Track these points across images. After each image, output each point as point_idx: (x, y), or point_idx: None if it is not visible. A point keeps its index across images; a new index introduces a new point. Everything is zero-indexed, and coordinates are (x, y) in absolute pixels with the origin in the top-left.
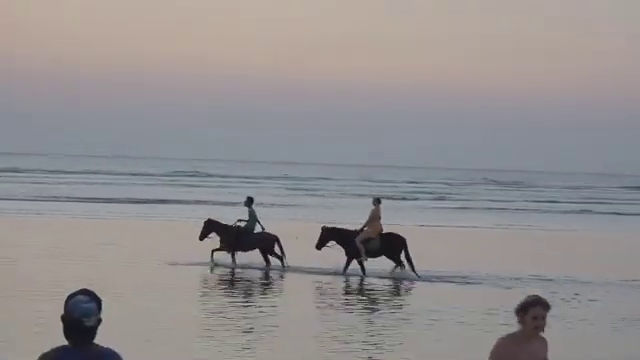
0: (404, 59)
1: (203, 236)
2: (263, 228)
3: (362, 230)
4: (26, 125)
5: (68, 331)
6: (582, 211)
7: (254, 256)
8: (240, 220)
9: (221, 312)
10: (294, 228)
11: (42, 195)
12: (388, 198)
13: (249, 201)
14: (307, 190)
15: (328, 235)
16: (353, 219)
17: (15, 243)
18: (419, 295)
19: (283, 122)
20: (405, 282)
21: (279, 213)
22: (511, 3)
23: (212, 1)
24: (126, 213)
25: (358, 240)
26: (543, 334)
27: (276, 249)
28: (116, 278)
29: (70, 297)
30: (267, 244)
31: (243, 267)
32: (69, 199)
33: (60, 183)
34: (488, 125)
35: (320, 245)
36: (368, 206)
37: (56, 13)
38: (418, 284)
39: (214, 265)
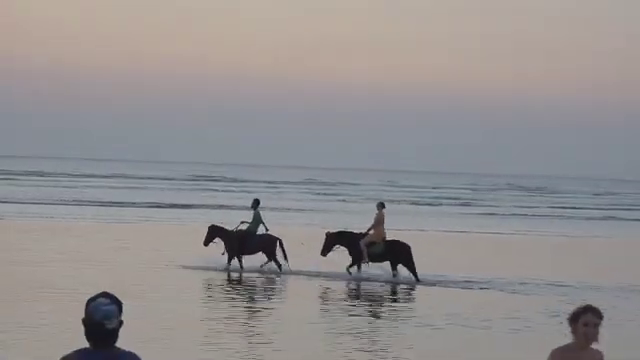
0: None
1: (207, 241)
2: (267, 229)
3: (367, 233)
4: (49, 128)
5: (90, 334)
6: (606, 217)
7: (260, 259)
8: (243, 222)
9: (231, 316)
10: (310, 233)
11: (65, 199)
12: (412, 203)
13: (255, 203)
14: (331, 195)
15: (333, 240)
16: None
17: (37, 247)
18: (425, 299)
19: (307, 125)
20: (419, 287)
21: (301, 218)
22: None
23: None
24: (149, 217)
25: (362, 243)
26: (598, 345)
27: (278, 251)
28: (128, 282)
29: (91, 300)
30: (269, 246)
31: (251, 270)
32: (91, 203)
33: (84, 187)
34: (515, 130)
35: (325, 251)
36: (391, 212)
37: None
38: (434, 289)
39: (229, 269)
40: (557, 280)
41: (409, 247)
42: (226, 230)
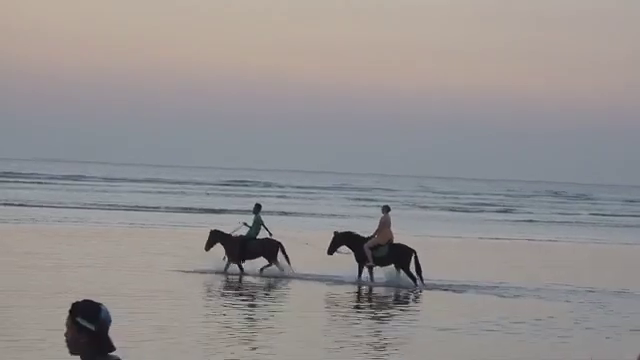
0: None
1: (209, 246)
2: (270, 234)
3: (372, 237)
4: (88, 134)
5: (105, 340)
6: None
7: (261, 263)
8: (244, 223)
9: (228, 321)
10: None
11: (102, 203)
12: (450, 210)
13: (257, 208)
14: (365, 200)
15: (340, 240)
16: (410, 231)
17: (70, 251)
18: (435, 306)
19: (342, 130)
20: (435, 292)
21: (338, 224)
22: None
23: None
24: (182, 222)
25: (367, 246)
26: None
27: (280, 255)
28: (129, 285)
29: (95, 308)
30: (269, 250)
31: (253, 275)
32: (125, 207)
33: (119, 191)
34: (551, 136)
35: (331, 250)
36: (426, 218)
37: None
38: (452, 295)
39: (242, 274)
40: (589, 286)
41: (412, 251)
42: (227, 235)
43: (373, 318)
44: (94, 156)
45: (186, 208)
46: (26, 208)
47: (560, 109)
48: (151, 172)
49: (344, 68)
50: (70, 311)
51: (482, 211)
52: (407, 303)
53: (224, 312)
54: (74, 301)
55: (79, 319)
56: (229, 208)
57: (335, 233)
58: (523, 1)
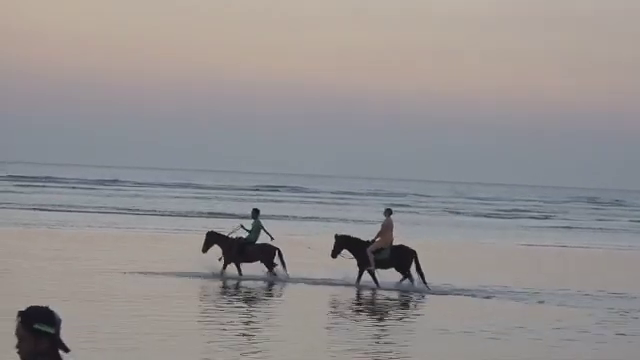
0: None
1: (206, 248)
2: (272, 238)
3: (374, 240)
4: (120, 137)
5: (60, 341)
6: None
7: (259, 267)
8: (241, 226)
9: (229, 322)
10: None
11: (138, 208)
12: (486, 216)
13: (255, 212)
14: (399, 206)
15: (342, 243)
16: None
17: (101, 257)
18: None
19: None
20: (447, 296)
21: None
22: None
23: None
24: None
25: (369, 250)
26: None
27: (276, 260)
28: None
29: (49, 313)
30: (267, 256)
31: (248, 278)
32: (159, 213)
33: (153, 196)
34: (586, 143)
35: (335, 253)
36: (461, 224)
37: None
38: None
39: (224, 276)
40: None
41: (413, 252)
42: (224, 236)
43: (388, 322)
44: (125, 160)
45: (216, 213)
46: (71, 213)
47: (584, 112)
48: (182, 177)
49: (340, 69)
50: (22, 321)
51: (520, 217)
52: (417, 307)
53: (225, 316)
54: (20, 310)
55: (37, 326)
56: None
57: (336, 236)
58: (524, 1)
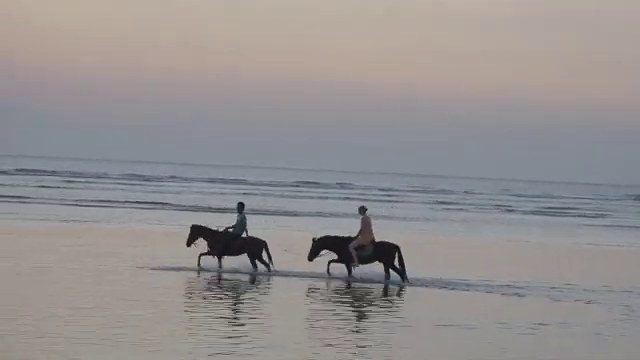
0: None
1: (190, 242)
2: (247, 235)
3: (356, 238)
4: (151, 134)
5: None
6: None
7: (242, 260)
8: (227, 228)
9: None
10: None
11: (162, 202)
12: (532, 213)
13: (240, 207)
14: (446, 203)
15: (320, 245)
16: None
17: (123, 252)
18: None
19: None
20: (448, 290)
21: (422, 229)
22: None
23: None
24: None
25: (351, 246)
26: None
27: (264, 255)
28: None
29: None
30: (255, 249)
31: (230, 272)
32: (189, 208)
33: (183, 191)
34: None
35: (312, 256)
36: (507, 222)
37: None
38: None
39: (200, 269)
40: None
41: (396, 247)
42: (209, 229)
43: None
44: (161, 155)
45: (254, 210)
46: (112, 209)
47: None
48: (219, 172)
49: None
50: None
51: (576, 215)
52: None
53: (212, 309)
54: None
55: None
56: (301, 210)
57: (313, 240)
58: (524, 1)
